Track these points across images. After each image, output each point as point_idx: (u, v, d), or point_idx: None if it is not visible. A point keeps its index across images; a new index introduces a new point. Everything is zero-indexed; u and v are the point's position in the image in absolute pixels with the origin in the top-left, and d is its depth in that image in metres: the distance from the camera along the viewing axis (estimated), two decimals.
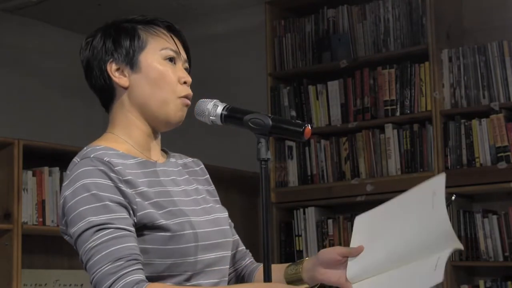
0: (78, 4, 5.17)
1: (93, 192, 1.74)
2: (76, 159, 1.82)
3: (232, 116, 1.88)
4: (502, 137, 4.26)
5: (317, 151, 4.79)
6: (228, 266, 1.94)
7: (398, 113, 4.56)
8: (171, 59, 1.91)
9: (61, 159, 3.89)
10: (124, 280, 1.67)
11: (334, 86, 4.79)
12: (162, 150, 1.99)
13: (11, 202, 3.95)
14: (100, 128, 2.06)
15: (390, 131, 4.57)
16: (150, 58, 1.89)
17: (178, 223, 1.80)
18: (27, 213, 4.04)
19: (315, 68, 4.87)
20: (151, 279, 1.74)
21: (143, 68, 1.88)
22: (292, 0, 5.02)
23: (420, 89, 4.50)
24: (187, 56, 1.96)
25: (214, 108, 1.89)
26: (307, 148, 4.81)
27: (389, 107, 4.59)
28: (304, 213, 4.80)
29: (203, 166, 2.06)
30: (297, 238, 4.81)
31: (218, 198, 2.02)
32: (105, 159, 1.79)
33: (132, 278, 1.68)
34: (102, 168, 1.77)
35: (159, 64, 1.89)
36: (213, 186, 2.04)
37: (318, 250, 4.69)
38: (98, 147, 1.82)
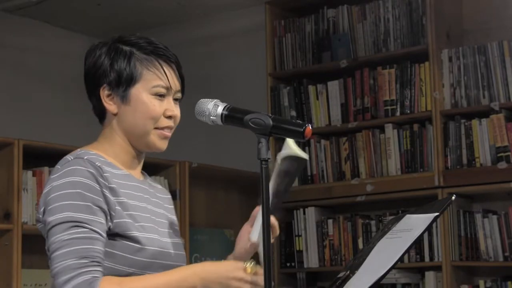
0: (78, 4, 5.17)
1: (79, 190, 1.87)
2: (69, 157, 1.95)
3: (232, 116, 1.89)
4: (502, 137, 4.26)
5: (317, 151, 4.79)
6: None
7: (398, 113, 4.56)
8: (161, 95, 2.00)
9: (61, 159, 3.88)
10: (82, 277, 1.80)
11: (334, 86, 4.78)
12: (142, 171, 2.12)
13: (11, 202, 3.95)
14: (99, 128, 2.10)
15: (390, 131, 4.57)
16: (140, 93, 1.99)
17: (148, 238, 1.95)
18: (27, 213, 4.04)
19: (315, 68, 4.86)
20: None
21: (132, 101, 2.00)
22: (292, 0, 5.01)
23: (420, 89, 4.50)
24: (181, 86, 2.05)
25: (214, 108, 1.90)
26: (307, 148, 4.80)
27: (389, 107, 4.59)
28: (304, 213, 4.80)
29: (170, 196, 2.18)
30: (297, 238, 4.80)
31: (178, 228, 2.13)
32: (96, 163, 1.92)
33: (89, 276, 1.81)
34: (92, 171, 1.89)
35: (147, 100, 1.99)
36: (175, 216, 2.15)
37: (318, 250, 4.72)
38: (91, 152, 1.96)
